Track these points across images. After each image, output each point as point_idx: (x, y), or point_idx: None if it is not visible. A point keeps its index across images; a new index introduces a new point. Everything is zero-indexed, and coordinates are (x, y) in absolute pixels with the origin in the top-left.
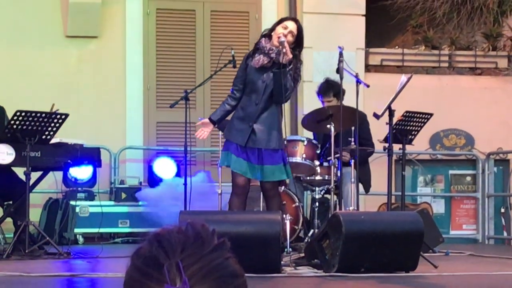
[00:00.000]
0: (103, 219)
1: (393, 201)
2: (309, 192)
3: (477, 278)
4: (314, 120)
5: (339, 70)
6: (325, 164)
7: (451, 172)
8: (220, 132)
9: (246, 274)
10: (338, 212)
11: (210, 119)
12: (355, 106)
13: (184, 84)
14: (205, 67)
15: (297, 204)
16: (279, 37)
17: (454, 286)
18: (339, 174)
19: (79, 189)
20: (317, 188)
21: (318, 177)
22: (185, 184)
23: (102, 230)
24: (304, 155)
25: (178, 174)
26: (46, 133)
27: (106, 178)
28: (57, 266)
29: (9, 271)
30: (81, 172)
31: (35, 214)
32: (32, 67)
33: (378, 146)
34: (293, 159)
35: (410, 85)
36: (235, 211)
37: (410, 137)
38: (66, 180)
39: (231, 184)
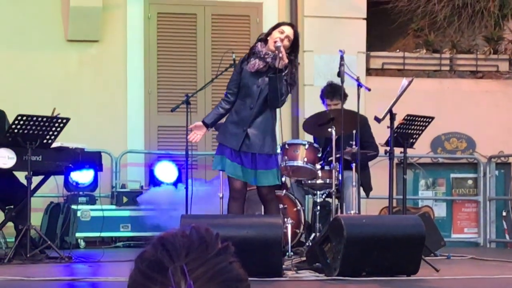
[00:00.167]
0: (104, 223)
1: (394, 204)
2: (310, 195)
3: (479, 282)
4: (315, 124)
5: (340, 74)
6: (326, 167)
7: (452, 175)
8: None
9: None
10: (339, 215)
11: (203, 122)
12: (356, 110)
13: (185, 88)
14: (206, 71)
15: (298, 208)
16: (275, 42)
17: None
18: (340, 178)
19: (81, 193)
20: (318, 192)
21: (319, 181)
22: (186, 188)
23: (103, 234)
24: (305, 159)
25: (179, 178)
26: (47, 137)
27: (107, 182)
28: (59, 270)
29: (10, 275)
30: (83, 176)
31: (36, 218)
32: (33, 71)
33: (380, 150)
34: (295, 163)
35: (411, 89)
36: (237, 215)
37: (411, 140)
38: (67, 184)
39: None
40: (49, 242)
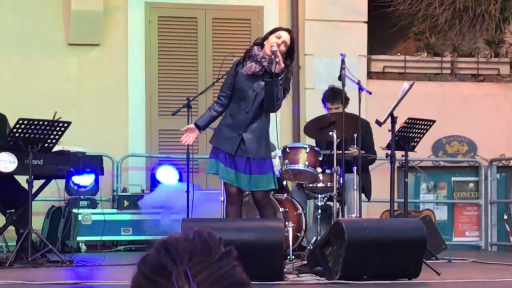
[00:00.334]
0: (105, 227)
1: (395, 208)
2: (311, 199)
3: (480, 285)
4: (316, 128)
5: (341, 77)
6: (328, 171)
7: (453, 178)
8: None
9: None
10: (340, 219)
11: (196, 124)
12: (357, 113)
13: (186, 92)
14: (207, 74)
15: (299, 211)
16: (272, 46)
17: None
18: (341, 181)
19: (82, 197)
20: (319, 195)
21: (320, 184)
22: (187, 191)
23: (104, 238)
24: (306, 162)
25: (180, 182)
26: (49, 141)
27: (108, 186)
28: (60, 274)
29: (11, 279)
30: (84, 180)
31: (37, 222)
32: (34, 75)
33: (381, 153)
34: (296, 166)
35: (412, 92)
36: (238, 219)
37: (412, 144)
38: (68, 188)
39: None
40: (50, 246)
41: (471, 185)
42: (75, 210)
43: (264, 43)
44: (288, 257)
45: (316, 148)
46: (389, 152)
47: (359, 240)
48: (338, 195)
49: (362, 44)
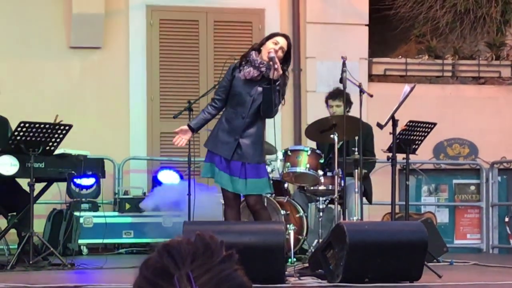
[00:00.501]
0: (107, 229)
1: (397, 210)
2: (313, 202)
3: None
4: (318, 130)
5: (342, 80)
6: (329, 174)
7: (455, 181)
8: None
9: None
10: (342, 222)
11: (189, 126)
12: (358, 116)
13: (187, 95)
14: (208, 77)
15: (301, 214)
16: (269, 53)
17: None
18: (342, 184)
19: (83, 200)
20: (321, 198)
21: (321, 187)
22: (188, 194)
23: (106, 241)
24: (308, 165)
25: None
26: (50, 144)
27: (110, 189)
28: (62, 277)
29: (13, 282)
30: (85, 183)
31: (39, 225)
32: (36, 78)
33: (382, 156)
34: (297, 169)
35: (414, 95)
36: (240, 222)
37: (413, 146)
38: (70, 191)
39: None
40: (51, 249)
41: (472, 187)
42: (76, 213)
43: (261, 48)
44: (290, 260)
45: (317, 151)
46: (390, 155)
47: (361, 242)
48: (340, 198)
49: (363, 47)
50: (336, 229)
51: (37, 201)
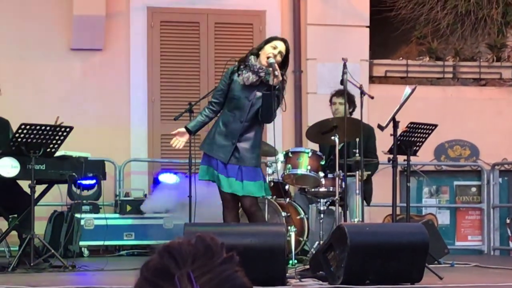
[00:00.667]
0: (108, 231)
1: (398, 212)
2: (314, 204)
3: None
4: (319, 132)
5: (343, 82)
6: (330, 175)
7: (456, 183)
8: None
9: None
10: (343, 223)
11: (186, 128)
12: (359, 118)
13: (188, 97)
14: (209, 79)
15: (302, 216)
16: (268, 58)
17: None
18: (343, 186)
19: (84, 201)
20: (322, 200)
21: (322, 189)
22: (189, 196)
23: (107, 242)
24: (309, 167)
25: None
26: (51, 146)
27: (111, 191)
28: (62, 279)
29: (14, 284)
30: (86, 185)
31: (40, 227)
32: (37, 80)
33: (383, 158)
34: (298, 171)
35: (415, 96)
36: (241, 223)
37: (414, 148)
38: (71, 193)
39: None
40: (52, 251)
41: (474, 189)
42: (77, 215)
43: (260, 52)
44: (291, 261)
45: (319, 153)
46: (391, 156)
47: (362, 244)
48: (341, 200)
49: (364, 49)
50: (337, 230)
51: (38, 203)
